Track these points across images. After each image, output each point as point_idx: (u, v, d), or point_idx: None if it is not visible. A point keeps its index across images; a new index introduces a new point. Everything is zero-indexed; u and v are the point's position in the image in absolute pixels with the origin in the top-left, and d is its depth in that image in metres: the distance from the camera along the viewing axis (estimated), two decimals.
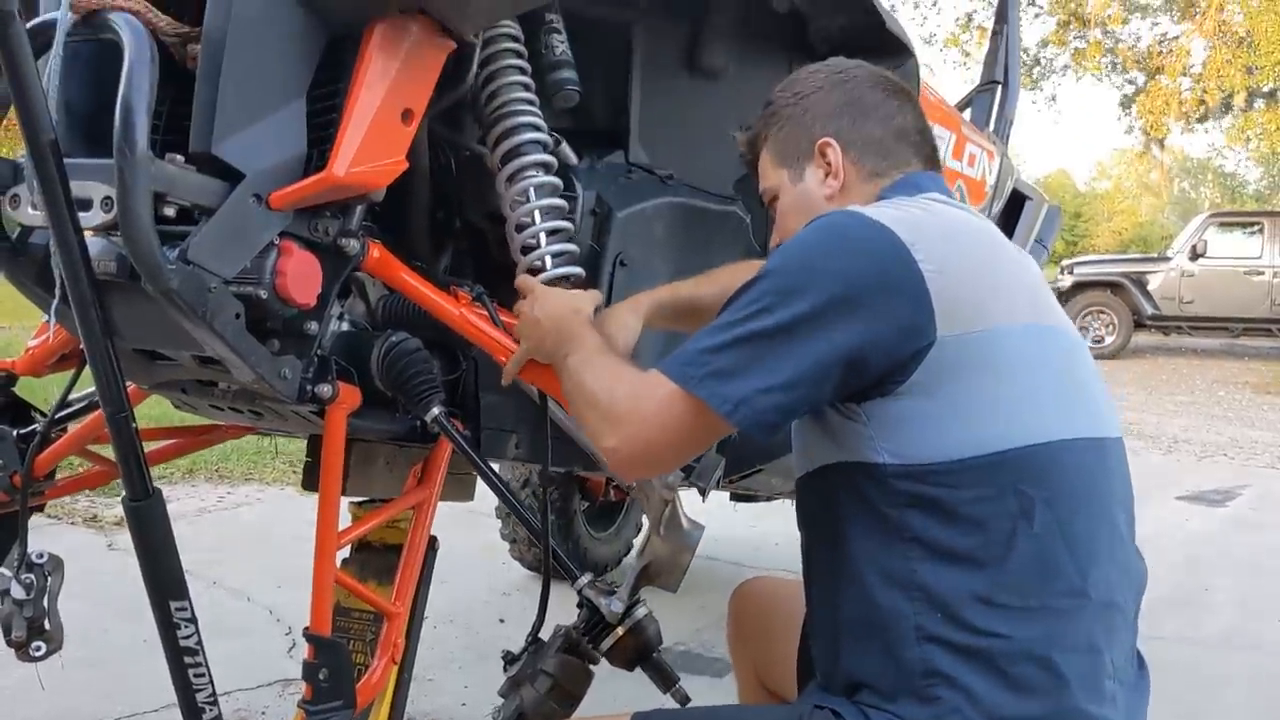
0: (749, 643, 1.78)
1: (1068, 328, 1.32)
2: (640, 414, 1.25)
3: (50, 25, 1.38)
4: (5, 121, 1.49)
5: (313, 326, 1.53)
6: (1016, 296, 1.26)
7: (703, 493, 1.90)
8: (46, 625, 1.85)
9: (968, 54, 17.69)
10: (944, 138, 2.58)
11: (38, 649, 1.84)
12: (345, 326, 1.68)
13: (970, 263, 1.24)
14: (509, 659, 1.62)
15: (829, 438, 1.27)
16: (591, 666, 1.59)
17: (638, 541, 3.89)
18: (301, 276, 1.45)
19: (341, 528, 1.67)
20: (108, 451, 1.64)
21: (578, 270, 1.70)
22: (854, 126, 1.43)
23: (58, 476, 2.09)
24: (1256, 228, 12.89)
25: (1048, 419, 1.21)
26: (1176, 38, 17.02)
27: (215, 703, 1.43)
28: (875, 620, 1.21)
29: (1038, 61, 17.98)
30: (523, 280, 1.62)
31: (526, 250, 1.68)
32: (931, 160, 1.46)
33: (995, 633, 1.15)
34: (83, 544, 3.92)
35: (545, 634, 1.62)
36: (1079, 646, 1.18)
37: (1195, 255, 12.73)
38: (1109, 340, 12.84)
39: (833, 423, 1.26)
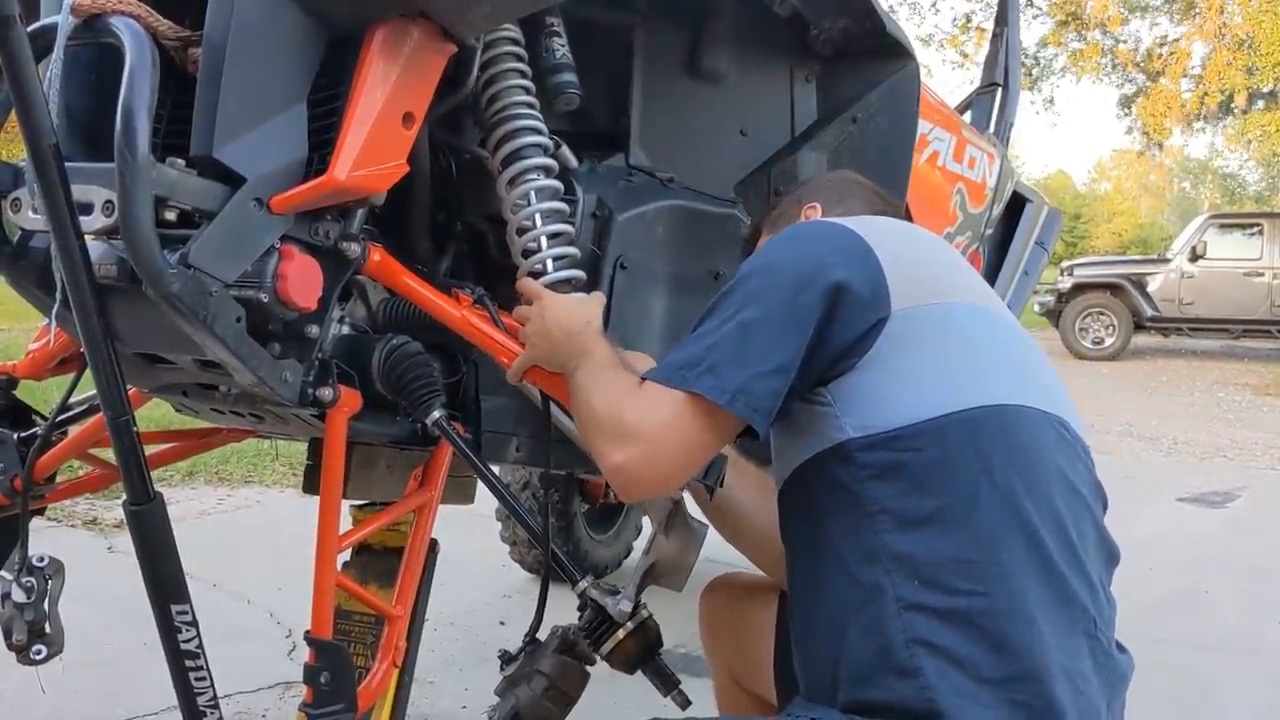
0: (722, 641, 1.79)
1: (1017, 324, 1.41)
2: (642, 427, 1.25)
3: (51, 29, 1.38)
4: (6, 125, 1.49)
5: (314, 330, 1.53)
6: (966, 288, 1.36)
7: (710, 492, 1.90)
8: (47, 628, 1.85)
9: (965, 55, 17.69)
10: (944, 140, 2.58)
11: (38, 652, 1.84)
12: (346, 330, 1.68)
13: (922, 255, 1.37)
14: (506, 659, 1.62)
15: (798, 434, 1.32)
16: (588, 667, 1.59)
17: (639, 543, 3.89)
18: (302, 280, 1.45)
19: (342, 531, 1.67)
20: (108, 455, 1.64)
21: (579, 273, 1.70)
22: (837, 202, 1.61)
23: (58, 480, 2.09)
24: (1256, 229, 12.89)
25: (1001, 385, 1.27)
26: (1176, 40, 17.02)
27: (216, 705, 1.43)
28: (857, 601, 1.23)
29: (1036, 62, 17.98)
30: (526, 284, 1.62)
31: (527, 253, 1.68)
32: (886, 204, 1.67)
33: (972, 591, 1.17)
34: (83, 547, 3.92)
35: (543, 635, 1.62)
36: (1055, 600, 1.20)
37: (1195, 257, 12.73)
38: (1108, 342, 12.84)
39: (800, 417, 1.30)
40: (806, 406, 1.29)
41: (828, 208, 1.60)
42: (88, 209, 1.36)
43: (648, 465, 1.25)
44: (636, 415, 1.26)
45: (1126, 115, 18.68)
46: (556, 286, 1.65)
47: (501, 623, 3.35)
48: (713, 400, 1.22)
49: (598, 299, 1.59)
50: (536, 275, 1.66)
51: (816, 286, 1.25)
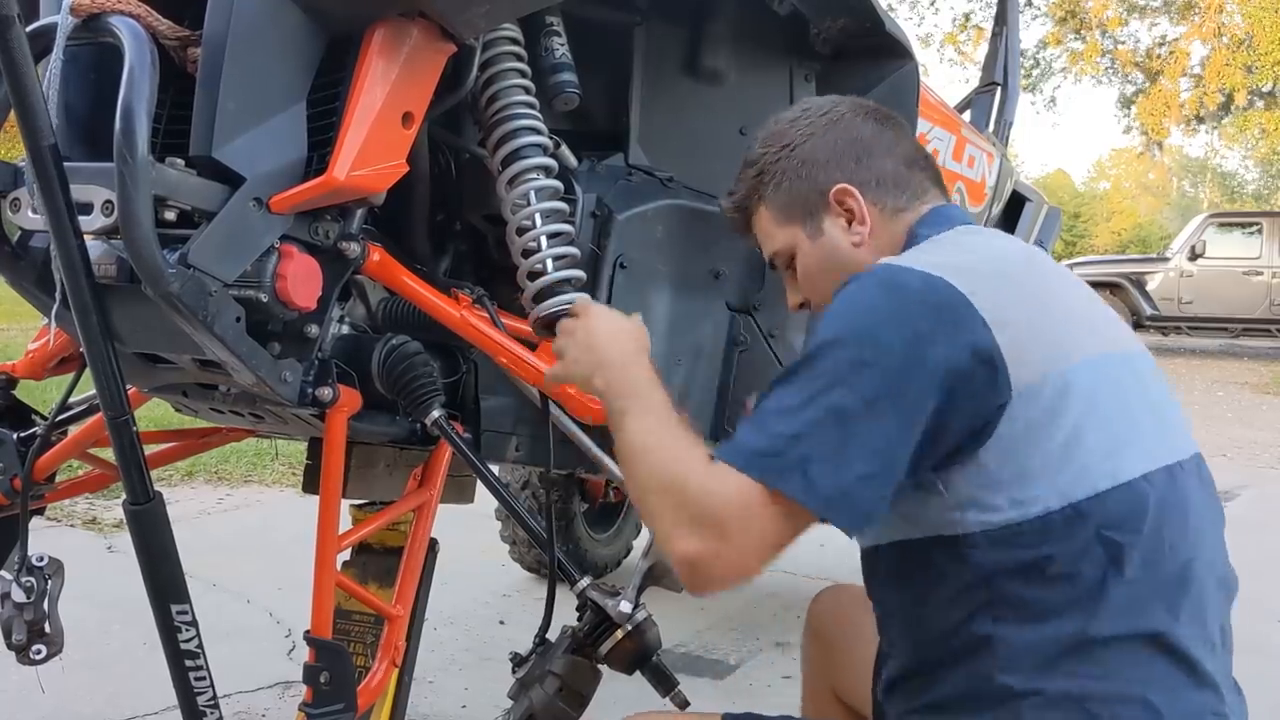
0: (827, 650, 1.70)
1: (1129, 344, 1.26)
2: (721, 519, 1.09)
3: (50, 29, 1.38)
4: (6, 125, 1.49)
5: (313, 330, 1.53)
6: (1077, 328, 1.21)
7: None
8: (47, 628, 1.85)
9: (964, 54, 17.70)
10: (944, 139, 2.58)
11: (38, 652, 1.84)
12: (346, 329, 1.68)
13: (1029, 304, 1.18)
14: (516, 661, 1.62)
15: (903, 515, 1.18)
16: (600, 667, 1.59)
17: (639, 543, 3.89)
18: (302, 280, 1.45)
19: (342, 530, 1.68)
20: (108, 454, 1.64)
21: (579, 273, 1.70)
22: (862, 166, 1.35)
23: (58, 479, 2.09)
24: (1255, 228, 12.90)
25: (1126, 457, 1.15)
26: (1175, 40, 17.03)
27: (216, 705, 1.44)
28: (960, 677, 1.16)
29: (1036, 63, 17.98)
30: (583, 304, 1.52)
31: (527, 253, 1.68)
32: (940, 183, 1.41)
33: (1087, 674, 1.11)
34: (83, 547, 3.91)
35: (552, 635, 1.63)
36: (1174, 685, 1.13)
37: (1194, 256, 12.74)
38: None
39: (907, 499, 1.16)
40: (914, 490, 1.15)
41: (865, 187, 1.34)
42: (87, 209, 1.36)
43: (723, 562, 1.10)
44: (713, 502, 1.09)
45: (1126, 115, 18.70)
46: (556, 286, 1.65)
47: (501, 622, 3.35)
48: (803, 504, 1.08)
49: (642, 327, 1.43)
50: (536, 275, 1.66)
51: (925, 371, 1.09)
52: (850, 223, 1.34)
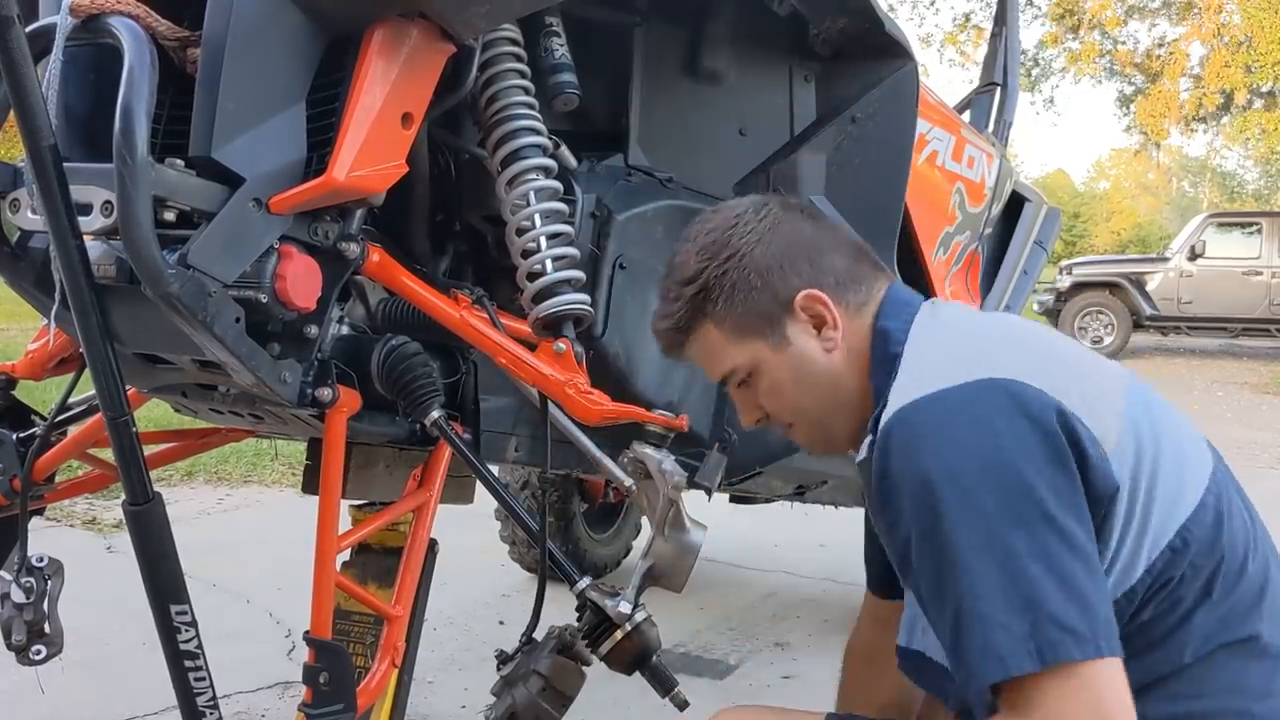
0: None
1: (1129, 375, 1.25)
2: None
3: (50, 29, 1.38)
4: (5, 125, 1.49)
5: (313, 330, 1.53)
6: (1104, 374, 1.19)
7: (708, 492, 1.90)
8: (46, 628, 1.85)
9: (965, 54, 17.69)
10: (943, 139, 2.58)
11: (38, 652, 1.84)
12: (345, 330, 1.68)
13: (1077, 380, 1.14)
14: (502, 658, 1.63)
15: None
16: (584, 668, 1.59)
17: (638, 543, 3.89)
18: (301, 280, 1.45)
19: (341, 530, 1.68)
20: (107, 455, 1.64)
21: (578, 274, 1.70)
22: (817, 267, 1.27)
23: (57, 480, 2.09)
24: (1255, 228, 12.90)
25: (1188, 481, 1.15)
26: (1175, 40, 17.02)
27: (215, 706, 1.44)
28: None
29: (1036, 63, 17.98)
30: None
31: (526, 254, 1.68)
32: (879, 263, 1.35)
33: (1188, 695, 1.11)
34: (82, 547, 3.91)
35: (540, 635, 1.63)
36: (1273, 691, 1.13)
37: (1194, 255, 12.74)
38: (1107, 341, 12.84)
39: None
40: None
41: (827, 289, 1.27)
42: (86, 209, 1.36)
43: None
44: None
45: (1125, 114, 18.70)
46: (555, 286, 1.65)
47: (501, 622, 3.35)
48: (1087, 659, 0.99)
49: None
50: (535, 276, 1.66)
51: (1070, 482, 1.06)
52: (819, 329, 1.27)
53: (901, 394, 1.14)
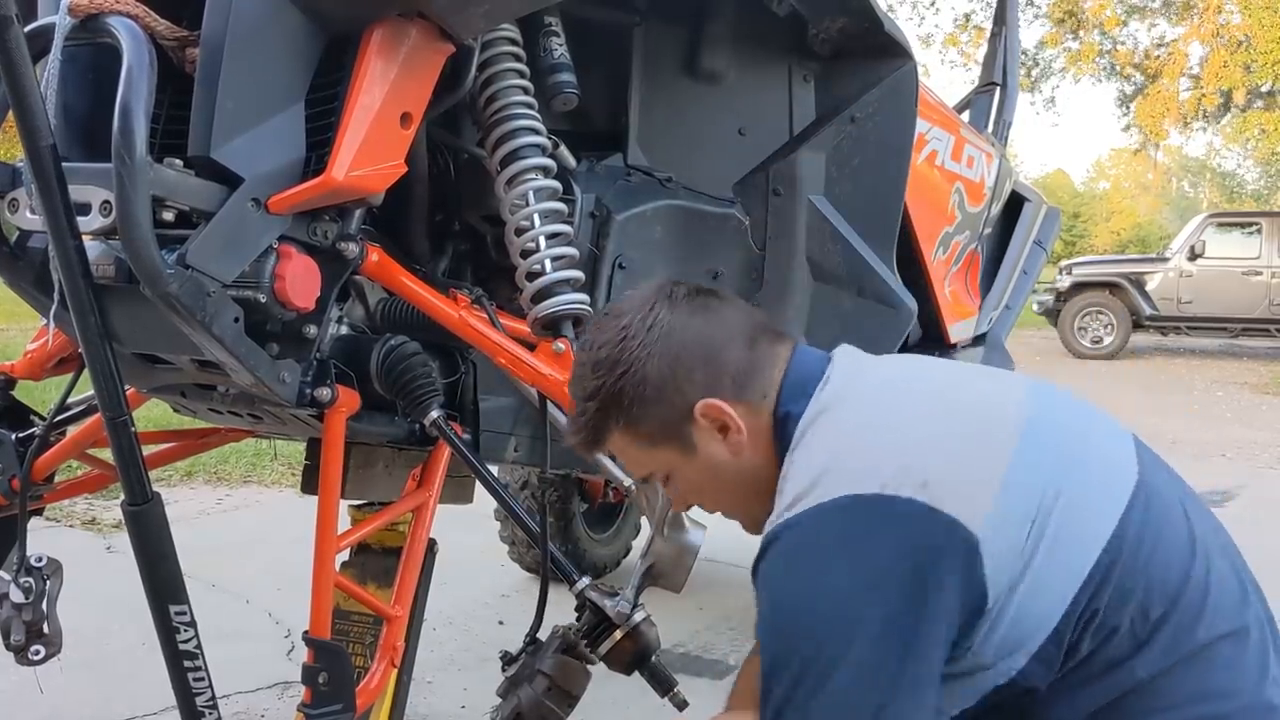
0: None
1: (1034, 390, 1.24)
2: None
3: (49, 29, 1.38)
4: (4, 125, 1.49)
5: (312, 330, 1.53)
6: (988, 454, 1.15)
7: None
8: (45, 629, 1.85)
9: (965, 54, 17.69)
10: (943, 139, 2.58)
11: (36, 652, 1.84)
12: (344, 330, 1.68)
13: (954, 464, 1.13)
14: (507, 659, 1.62)
15: (957, 692, 1.17)
16: (590, 667, 1.59)
17: (638, 543, 3.88)
18: (300, 280, 1.45)
19: (341, 531, 1.68)
20: (107, 455, 1.64)
21: (577, 273, 1.70)
22: (712, 371, 1.23)
23: (57, 480, 2.09)
24: (1255, 228, 12.89)
25: (1096, 519, 1.14)
26: (1174, 40, 17.03)
27: (215, 706, 1.44)
28: None
29: (1035, 63, 17.98)
30: None
31: (526, 253, 1.68)
32: (778, 335, 1.30)
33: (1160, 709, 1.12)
34: (81, 547, 3.91)
35: (543, 635, 1.62)
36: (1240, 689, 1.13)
37: (1193, 255, 12.73)
38: (1107, 341, 12.84)
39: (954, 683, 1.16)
40: (954, 678, 1.15)
41: (726, 393, 1.23)
42: (85, 209, 1.36)
43: None
44: None
45: (1125, 114, 18.70)
46: (554, 286, 1.65)
47: (501, 622, 3.35)
48: None
49: None
50: (534, 275, 1.66)
51: (929, 621, 1.08)
52: (724, 433, 1.24)
53: (781, 500, 1.17)
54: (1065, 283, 13.20)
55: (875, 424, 1.18)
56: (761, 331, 1.29)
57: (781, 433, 1.23)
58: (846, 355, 1.29)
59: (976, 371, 1.32)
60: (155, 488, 1.40)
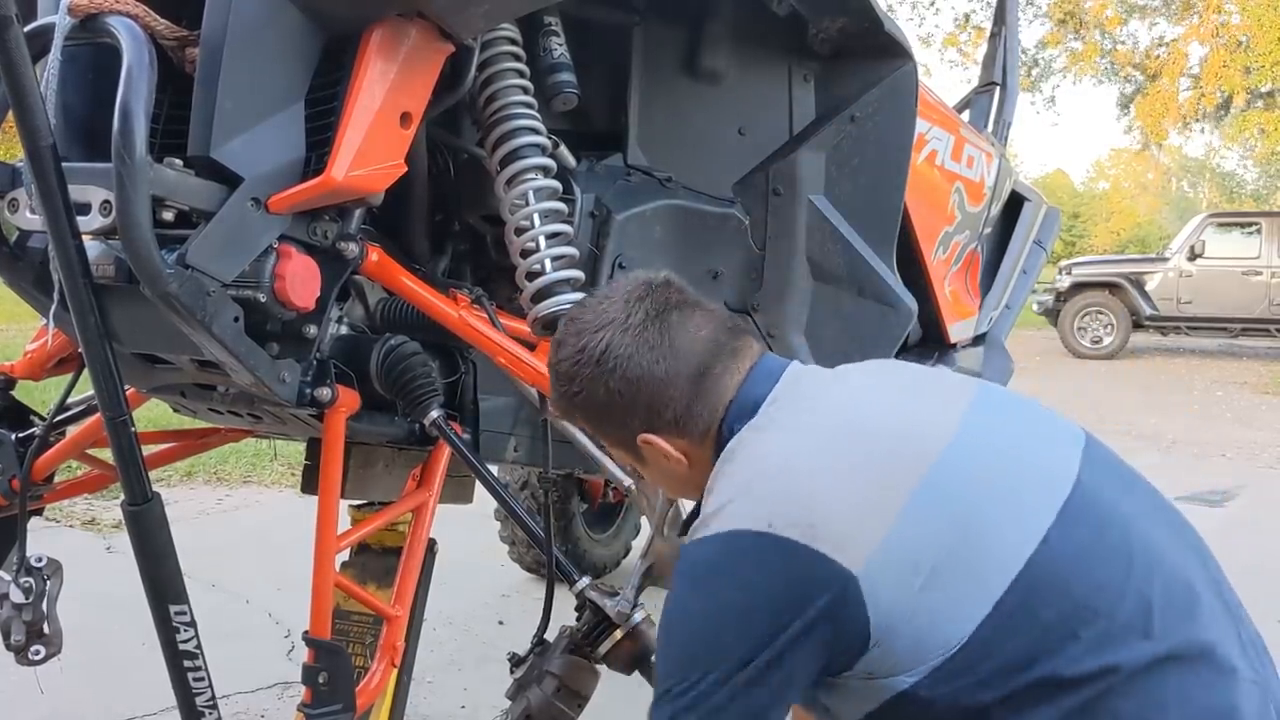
0: None
1: (972, 407, 1.24)
2: None
3: (49, 29, 1.38)
4: (4, 125, 1.49)
5: (312, 330, 1.53)
6: (897, 469, 1.16)
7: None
8: (45, 629, 1.85)
9: (965, 54, 17.69)
10: (942, 139, 2.58)
11: (36, 652, 1.84)
12: (344, 330, 1.68)
13: (849, 480, 1.16)
14: (515, 661, 1.62)
15: (844, 698, 1.20)
16: (599, 666, 1.59)
17: (638, 543, 3.88)
18: (300, 280, 1.45)
19: (341, 530, 1.67)
20: (106, 455, 1.64)
21: (577, 273, 1.70)
22: (655, 410, 1.26)
23: (56, 480, 2.09)
24: (1255, 228, 12.88)
25: (1012, 541, 1.13)
26: (1174, 40, 17.02)
27: (214, 706, 1.44)
28: None
29: (1036, 63, 17.98)
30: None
31: (525, 253, 1.68)
32: (732, 340, 1.30)
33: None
34: (81, 547, 3.91)
35: (550, 635, 1.63)
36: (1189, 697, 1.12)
37: (1193, 255, 12.73)
38: (1107, 341, 12.84)
39: (839, 690, 1.19)
40: (842, 683, 1.18)
41: (666, 429, 1.27)
42: (85, 209, 1.36)
43: None
44: None
45: (1125, 114, 18.70)
46: (554, 286, 1.65)
47: (501, 622, 3.35)
48: None
49: None
50: (534, 275, 1.66)
51: (795, 649, 1.12)
52: (666, 460, 1.29)
53: (705, 507, 1.23)
54: (1065, 283, 13.19)
55: (784, 462, 1.20)
56: (716, 356, 1.28)
57: (723, 446, 1.27)
58: (792, 375, 1.29)
59: (916, 389, 1.29)
60: (155, 488, 1.40)
